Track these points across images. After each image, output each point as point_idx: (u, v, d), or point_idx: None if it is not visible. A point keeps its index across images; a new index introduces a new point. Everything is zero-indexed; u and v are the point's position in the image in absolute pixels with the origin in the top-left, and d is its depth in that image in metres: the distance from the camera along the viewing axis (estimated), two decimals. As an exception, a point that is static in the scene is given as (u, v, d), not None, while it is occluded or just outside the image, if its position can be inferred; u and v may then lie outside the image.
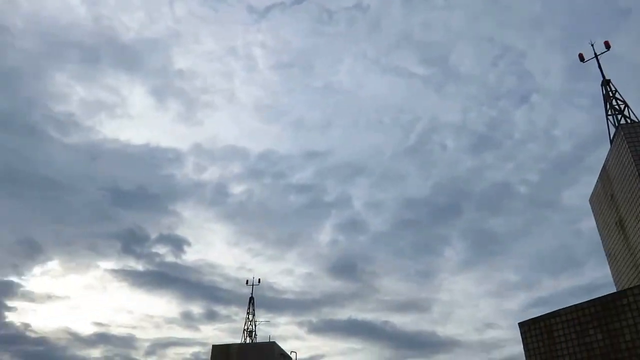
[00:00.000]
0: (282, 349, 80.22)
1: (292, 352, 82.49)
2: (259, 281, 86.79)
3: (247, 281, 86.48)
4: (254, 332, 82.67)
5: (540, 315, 53.79)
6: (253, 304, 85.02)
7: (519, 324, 55.50)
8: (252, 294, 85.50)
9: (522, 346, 53.86)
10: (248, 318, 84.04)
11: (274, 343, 78.49)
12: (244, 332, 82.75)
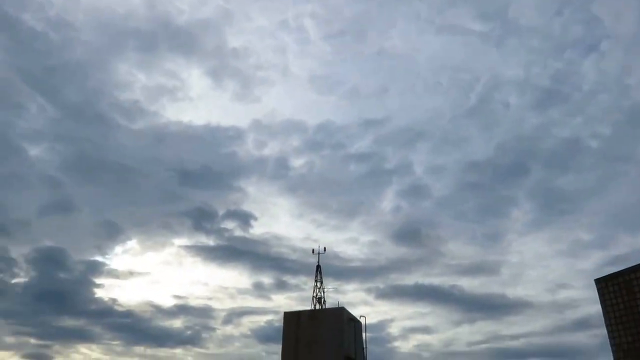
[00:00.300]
0: (351, 314, 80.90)
1: (361, 316, 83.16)
2: (325, 249, 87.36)
3: (312, 250, 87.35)
4: (322, 299, 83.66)
5: (619, 271, 51.65)
6: (320, 272, 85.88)
7: (595, 280, 53.70)
8: (318, 262, 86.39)
9: (598, 305, 52.25)
10: (316, 285, 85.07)
11: (342, 308, 79.22)
12: (313, 299, 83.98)
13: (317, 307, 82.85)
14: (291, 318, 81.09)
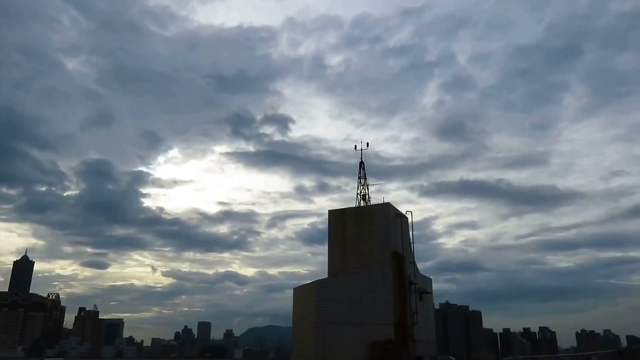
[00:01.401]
0: (397, 209, 78.57)
1: (407, 212, 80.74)
2: (367, 145, 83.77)
3: (355, 146, 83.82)
4: (367, 196, 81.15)
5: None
6: (364, 168, 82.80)
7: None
8: (361, 158, 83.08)
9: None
10: (360, 182, 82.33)
11: (388, 204, 76.78)
12: (357, 196, 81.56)
13: (362, 204, 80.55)
14: (336, 216, 79.39)
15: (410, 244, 79.59)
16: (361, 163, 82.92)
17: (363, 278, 71.54)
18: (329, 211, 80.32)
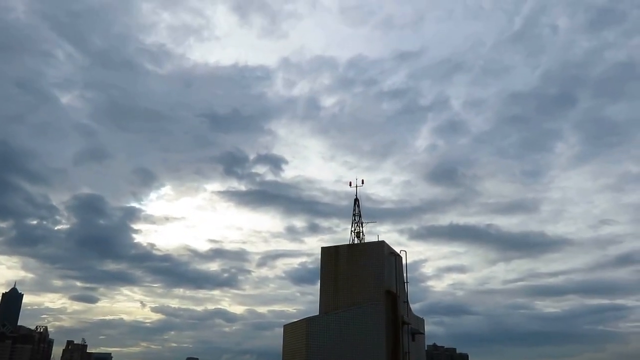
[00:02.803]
0: (391, 248, 78.19)
1: (401, 251, 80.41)
2: (363, 182, 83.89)
3: (350, 183, 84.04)
4: (361, 233, 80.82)
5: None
6: (358, 205, 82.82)
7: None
8: (356, 195, 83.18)
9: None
10: (354, 219, 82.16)
11: (383, 242, 76.45)
12: (351, 233, 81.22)
13: (356, 241, 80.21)
14: (329, 253, 78.90)
15: (404, 283, 78.96)
16: (356, 200, 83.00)
17: (355, 316, 70.62)
18: (322, 248, 79.90)
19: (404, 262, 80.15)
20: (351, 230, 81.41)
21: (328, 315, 71.54)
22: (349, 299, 74.07)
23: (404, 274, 79.43)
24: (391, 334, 71.84)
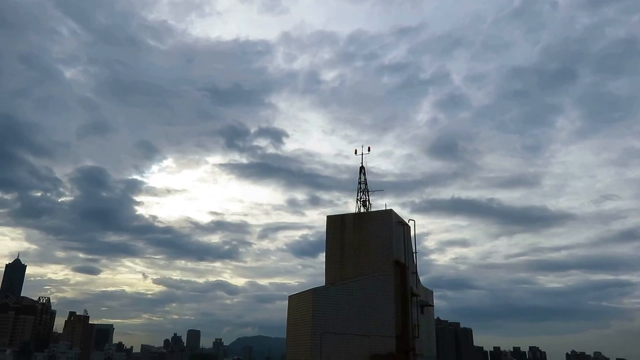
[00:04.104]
0: (399, 217, 75.12)
1: (409, 220, 77.31)
2: (369, 149, 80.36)
3: (355, 151, 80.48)
4: (367, 202, 77.60)
5: None
6: (364, 173, 79.35)
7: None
8: (362, 162, 79.68)
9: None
10: (360, 188, 78.82)
11: (391, 211, 73.38)
12: (357, 201, 78.00)
13: (362, 210, 77.08)
14: (335, 222, 75.94)
15: (413, 253, 76.14)
16: (362, 168, 79.56)
17: (363, 287, 68.02)
18: (328, 217, 76.93)
19: (412, 232, 77.15)
20: (357, 199, 78.25)
21: (334, 286, 68.88)
22: (356, 269, 71.40)
23: (413, 244, 76.54)
24: (400, 305, 69.22)
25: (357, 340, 65.17)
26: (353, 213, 76.14)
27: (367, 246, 71.82)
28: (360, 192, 78.71)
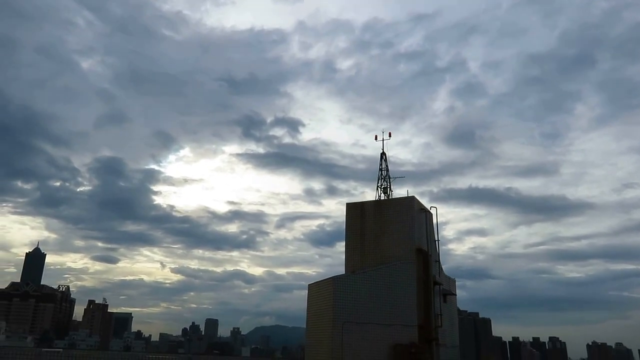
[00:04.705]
0: (422, 204, 73.22)
1: (431, 207, 75.45)
2: (390, 135, 78.38)
3: (375, 137, 78.53)
4: (389, 189, 75.76)
5: None
6: (385, 159, 77.40)
7: None
8: (383, 148, 77.74)
9: None
10: (381, 174, 76.96)
11: (413, 197, 71.45)
12: (377, 189, 76.18)
13: (383, 197, 75.29)
14: (355, 209, 74.18)
15: (435, 241, 74.31)
16: (382, 154, 77.65)
17: (384, 275, 66.29)
18: (347, 204, 75.22)
19: (434, 220, 75.31)
20: (377, 186, 76.40)
21: (355, 274, 67.29)
22: (377, 257, 69.72)
23: (435, 232, 74.68)
24: (422, 294, 67.50)
25: (378, 330, 63.59)
26: (374, 200, 74.39)
27: (388, 234, 70.07)
28: (382, 178, 76.89)
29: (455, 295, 79.67)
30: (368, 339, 62.88)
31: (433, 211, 75.27)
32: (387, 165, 77.37)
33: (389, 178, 76.49)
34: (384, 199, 74.47)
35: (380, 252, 69.90)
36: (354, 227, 73.35)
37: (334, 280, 65.70)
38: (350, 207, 74.78)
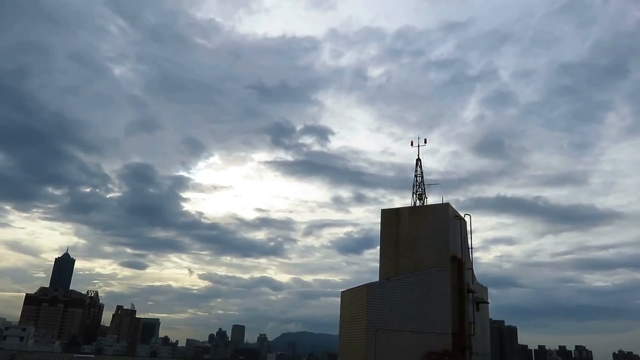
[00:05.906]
0: (456, 211, 72.75)
1: (465, 214, 74.92)
2: (425, 141, 78.19)
3: (411, 142, 78.55)
4: (424, 195, 75.42)
5: None
6: (420, 166, 77.20)
7: None
8: (418, 154, 77.60)
9: None
10: (416, 181, 76.73)
11: (448, 204, 71.08)
12: (412, 195, 75.91)
13: (418, 203, 75.04)
14: (389, 216, 74.09)
15: (469, 249, 73.70)
16: (418, 160, 77.48)
17: (418, 282, 65.94)
18: (382, 210, 75.19)
19: (468, 227, 74.72)
20: (413, 192, 76.15)
21: (389, 282, 67.06)
22: (411, 264, 69.44)
23: (469, 239, 74.11)
24: (456, 302, 66.93)
25: (412, 337, 63.22)
26: (408, 207, 74.14)
27: (423, 240, 69.76)
28: (417, 184, 76.64)
29: (488, 303, 78.80)
30: (401, 346, 62.58)
31: (467, 219, 74.77)
32: (422, 172, 77.23)
33: (424, 185, 76.22)
34: (419, 205, 74.21)
35: (415, 259, 69.60)
36: (388, 233, 73.21)
37: (368, 287, 65.57)
38: (385, 213, 74.66)
